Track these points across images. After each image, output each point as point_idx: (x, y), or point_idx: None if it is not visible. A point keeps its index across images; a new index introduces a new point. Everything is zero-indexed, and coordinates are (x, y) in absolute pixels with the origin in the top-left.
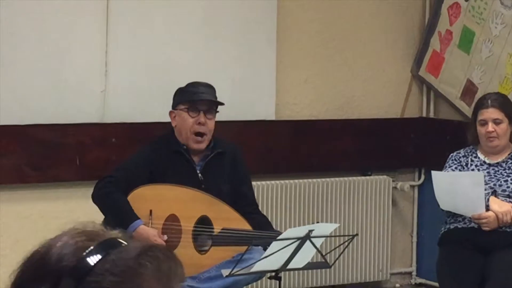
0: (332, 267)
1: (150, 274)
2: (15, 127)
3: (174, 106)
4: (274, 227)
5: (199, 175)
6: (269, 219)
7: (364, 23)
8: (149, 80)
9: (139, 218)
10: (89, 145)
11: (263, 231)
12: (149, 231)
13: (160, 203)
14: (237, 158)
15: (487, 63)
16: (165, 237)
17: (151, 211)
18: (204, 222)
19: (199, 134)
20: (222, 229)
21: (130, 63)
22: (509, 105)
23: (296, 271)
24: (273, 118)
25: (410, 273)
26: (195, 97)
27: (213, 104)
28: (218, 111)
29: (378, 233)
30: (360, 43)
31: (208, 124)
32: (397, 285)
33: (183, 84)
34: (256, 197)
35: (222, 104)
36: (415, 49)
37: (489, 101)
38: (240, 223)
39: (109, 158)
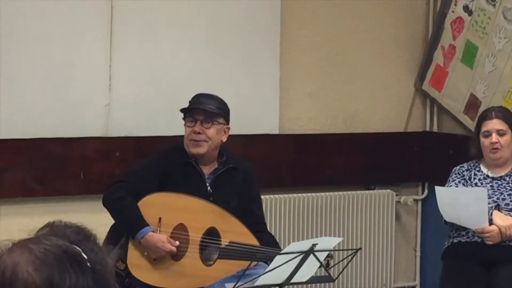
0: (336, 281)
1: None
2: (20, 140)
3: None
4: (278, 242)
5: (208, 187)
6: (273, 232)
7: (367, 37)
8: (153, 94)
9: (148, 225)
10: (93, 159)
11: (269, 247)
12: (156, 237)
13: (169, 212)
14: (250, 177)
15: (490, 77)
16: (177, 242)
17: (160, 218)
18: (212, 233)
19: (195, 140)
20: (230, 242)
21: (134, 77)
22: None
23: (300, 285)
24: (276, 132)
25: None
26: (189, 108)
27: (211, 114)
28: (222, 123)
29: (381, 247)
30: (363, 57)
31: (206, 132)
32: None
33: (187, 98)
34: None
35: (216, 114)
36: (419, 63)
37: (493, 113)
38: (248, 238)
39: (113, 172)
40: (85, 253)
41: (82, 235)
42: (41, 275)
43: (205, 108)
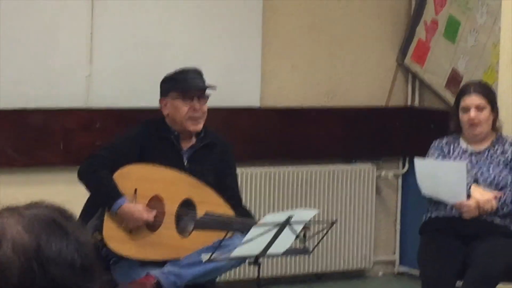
0: (315, 255)
1: None
2: (0, 111)
3: (165, 94)
4: (259, 215)
5: (185, 162)
6: (253, 206)
7: (350, 11)
8: (135, 66)
9: (123, 196)
10: (73, 130)
11: (245, 218)
12: (133, 208)
13: (145, 183)
14: (226, 153)
15: (472, 52)
16: (154, 211)
17: (135, 190)
18: (188, 205)
19: (194, 118)
20: (206, 213)
21: (115, 48)
22: (492, 93)
23: (278, 258)
24: (258, 105)
25: (393, 262)
26: (187, 85)
27: (204, 89)
28: (209, 95)
29: (361, 221)
30: (346, 31)
31: (202, 109)
32: (380, 273)
33: (168, 70)
34: (240, 185)
35: (214, 88)
36: (401, 38)
37: (472, 88)
38: (224, 209)
39: (93, 143)
40: (70, 228)
41: (67, 213)
42: (29, 235)
43: (203, 86)
